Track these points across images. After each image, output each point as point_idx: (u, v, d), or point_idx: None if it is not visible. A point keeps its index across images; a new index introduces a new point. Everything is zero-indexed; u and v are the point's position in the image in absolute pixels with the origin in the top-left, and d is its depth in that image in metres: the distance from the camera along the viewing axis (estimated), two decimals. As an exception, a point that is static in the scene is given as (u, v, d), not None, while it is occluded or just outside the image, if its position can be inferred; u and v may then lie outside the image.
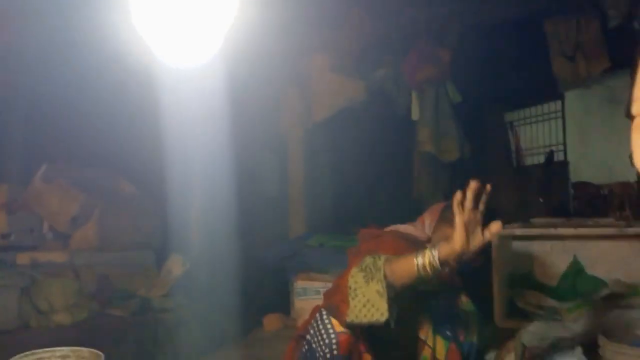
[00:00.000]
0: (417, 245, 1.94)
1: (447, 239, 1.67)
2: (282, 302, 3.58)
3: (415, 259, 1.60)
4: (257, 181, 4.48)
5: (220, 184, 3.67)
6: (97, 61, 3.45)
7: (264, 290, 3.63)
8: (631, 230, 2.78)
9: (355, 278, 1.70)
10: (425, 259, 1.59)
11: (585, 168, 6.92)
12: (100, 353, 1.92)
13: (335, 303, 1.86)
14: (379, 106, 4.14)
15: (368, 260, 1.70)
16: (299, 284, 3.47)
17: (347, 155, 4.24)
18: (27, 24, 3.52)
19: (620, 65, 3.83)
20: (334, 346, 1.80)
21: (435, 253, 1.59)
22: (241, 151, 4.02)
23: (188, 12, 2.26)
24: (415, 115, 3.93)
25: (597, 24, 3.68)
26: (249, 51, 3.27)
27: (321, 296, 3.17)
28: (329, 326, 1.84)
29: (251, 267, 3.79)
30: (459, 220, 1.56)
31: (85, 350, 1.98)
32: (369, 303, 1.67)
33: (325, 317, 1.87)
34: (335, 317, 1.84)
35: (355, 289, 1.69)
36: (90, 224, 3.67)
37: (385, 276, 1.64)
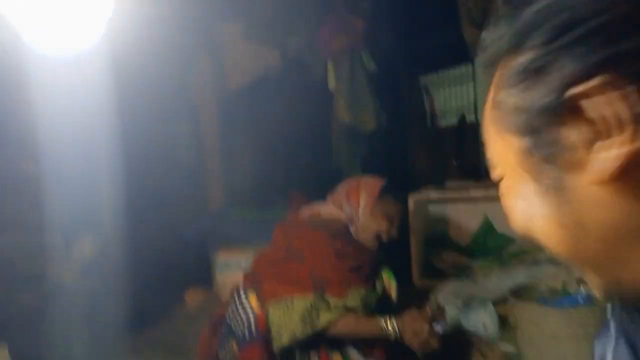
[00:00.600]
0: (340, 233, 1.93)
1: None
2: (204, 277, 3.51)
3: (379, 323, 1.84)
4: (171, 152, 4.31)
5: (131, 158, 3.49)
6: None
7: (184, 266, 3.53)
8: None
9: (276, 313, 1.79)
10: (389, 330, 1.83)
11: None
12: (3, 344, 1.80)
13: (258, 280, 1.85)
14: (297, 75, 4.08)
15: (304, 304, 1.78)
16: (221, 258, 3.41)
17: (265, 125, 4.16)
18: None
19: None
20: (253, 325, 1.79)
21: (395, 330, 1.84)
22: (150, 120, 3.83)
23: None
24: (331, 84, 3.91)
25: (504, -9, 3.78)
26: (154, 20, 3.08)
27: (244, 269, 3.15)
28: (246, 305, 1.82)
29: (170, 242, 3.68)
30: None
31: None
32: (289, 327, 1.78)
33: (243, 295, 1.85)
34: (258, 295, 1.82)
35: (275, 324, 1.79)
36: (-12, 205, 3.39)
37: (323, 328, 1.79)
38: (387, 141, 4.34)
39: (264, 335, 1.76)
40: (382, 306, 2.02)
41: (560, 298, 1.95)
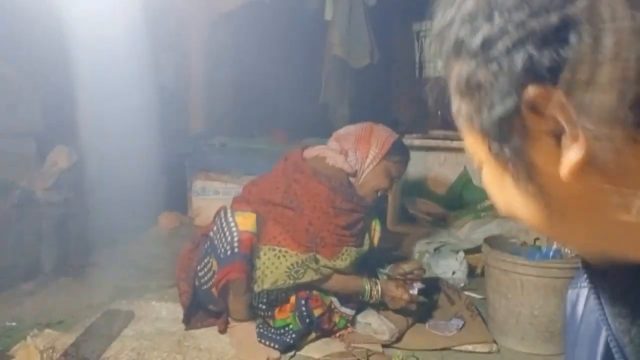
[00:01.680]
0: (342, 187, 1.91)
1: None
2: (179, 201, 3.49)
3: (364, 286, 1.92)
4: (155, 73, 4.18)
5: (114, 75, 3.37)
6: None
7: (160, 188, 3.50)
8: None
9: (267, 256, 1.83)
10: (372, 294, 1.93)
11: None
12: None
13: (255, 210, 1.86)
14: (290, 2, 3.92)
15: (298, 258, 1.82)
16: (198, 183, 3.38)
17: (253, 53, 4.03)
18: None
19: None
20: (235, 244, 1.80)
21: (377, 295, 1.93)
22: (139, 45, 3.69)
23: None
24: (328, 14, 3.74)
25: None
26: None
27: (220, 197, 3.14)
28: (232, 224, 1.83)
29: (148, 162, 3.62)
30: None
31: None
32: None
33: (229, 215, 1.86)
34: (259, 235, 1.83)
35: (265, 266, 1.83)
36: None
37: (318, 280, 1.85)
38: (376, 82, 4.29)
39: (245, 255, 1.78)
40: (365, 256, 2.05)
41: (531, 251, 2.01)
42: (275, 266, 1.80)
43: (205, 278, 1.88)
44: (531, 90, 0.37)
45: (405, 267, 2.05)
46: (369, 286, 1.92)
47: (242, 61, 4.20)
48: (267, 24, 4.05)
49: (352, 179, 1.98)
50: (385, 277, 2.08)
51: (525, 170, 0.40)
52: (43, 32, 3.23)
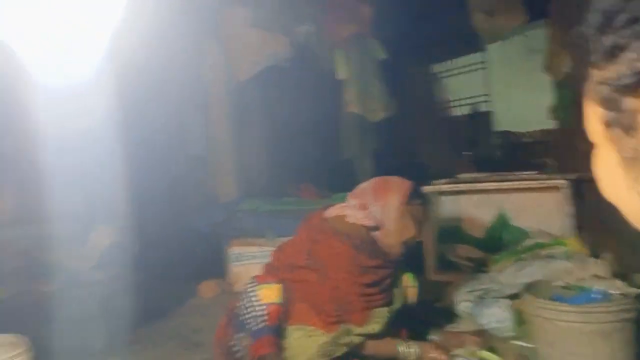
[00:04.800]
0: (365, 244, 1.90)
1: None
2: (217, 268, 3.53)
3: (398, 348, 1.90)
4: (183, 141, 4.31)
5: (144, 150, 3.51)
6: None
7: (197, 257, 3.56)
8: (551, 182, 2.92)
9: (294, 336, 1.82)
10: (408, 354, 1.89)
11: (508, 117, 7.21)
12: (24, 337, 1.82)
13: (282, 279, 1.86)
14: (306, 63, 4.04)
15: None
16: (234, 249, 3.42)
17: (274, 115, 4.14)
18: None
19: (538, 15, 3.94)
20: (263, 317, 1.79)
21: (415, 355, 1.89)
22: (161, 112, 3.84)
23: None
24: (340, 74, 3.86)
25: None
26: (162, 10, 3.07)
27: (257, 261, 3.16)
28: (254, 299, 1.83)
29: (184, 234, 3.70)
30: None
31: (8, 336, 1.87)
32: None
33: (250, 290, 1.86)
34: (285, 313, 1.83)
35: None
36: (6, 195, 3.43)
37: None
38: (398, 131, 4.33)
39: (273, 328, 1.77)
40: (401, 312, 2.02)
41: (575, 294, 1.94)
42: (305, 348, 1.79)
43: (240, 354, 1.88)
44: None
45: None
46: (403, 348, 1.88)
47: (267, 123, 4.31)
48: (287, 85, 4.17)
49: (375, 234, 1.96)
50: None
51: (636, 144, 0.44)
52: (80, 118, 3.38)
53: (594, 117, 0.49)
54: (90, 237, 3.48)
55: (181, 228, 3.65)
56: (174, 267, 3.40)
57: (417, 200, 2.01)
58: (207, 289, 3.40)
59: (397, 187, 1.99)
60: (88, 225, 3.49)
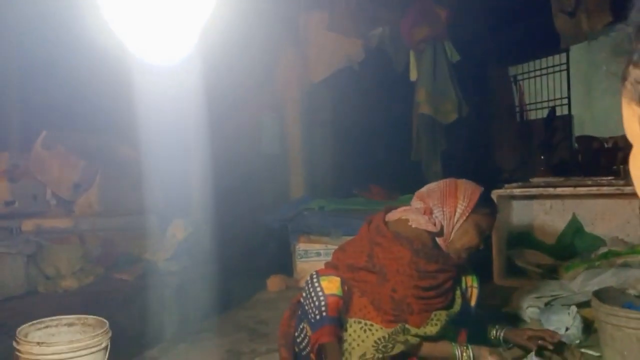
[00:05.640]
0: (425, 249, 1.89)
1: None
2: (285, 264, 3.64)
3: (454, 352, 1.90)
4: (258, 140, 4.47)
5: (219, 146, 3.67)
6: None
7: (267, 252, 3.68)
8: (629, 189, 2.78)
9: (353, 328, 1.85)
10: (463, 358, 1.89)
11: (590, 122, 6.86)
12: (105, 320, 1.97)
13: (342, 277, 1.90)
14: (378, 65, 4.08)
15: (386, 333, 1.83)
16: (300, 246, 3.51)
17: (347, 116, 4.21)
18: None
19: (625, 16, 3.74)
20: (323, 308, 1.84)
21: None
22: (239, 111, 4.00)
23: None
24: (413, 75, 3.87)
25: (599, -23, 3.58)
26: (242, 15, 3.21)
27: (321, 258, 3.23)
28: (318, 289, 1.87)
29: (254, 229, 3.83)
30: None
31: (90, 318, 2.03)
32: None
33: (315, 280, 1.91)
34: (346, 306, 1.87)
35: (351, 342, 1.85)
36: (92, 189, 3.70)
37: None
38: (470, 134, 4.26)
39: (333, 318, 1.82)
40: (460, 314, 2.01)
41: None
42: (362, 339, 1.82)
43: (303, 344, 1.93)
44: None
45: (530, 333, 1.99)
46: (458, 352, 1.88)
47: (337, 124, 4.38)
48: (359, 87, 4.23)
49: (438, 239, 1.94)
50: (504, 345, 2.02)
51: None
52: (159, 115, 3.59)
53: (632, 117, 0.49)
54: (167, 229, 3.68)
55: (253, 223, 3.78)
56: (245, 261, 3.54)
57: (485, 209, 1.94)
58: (275, 283, 3.51)
59: (465, 193, 1.93)
60: (166, 219, 3.70)
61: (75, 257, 3.14)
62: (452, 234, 1.91)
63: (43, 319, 1.97)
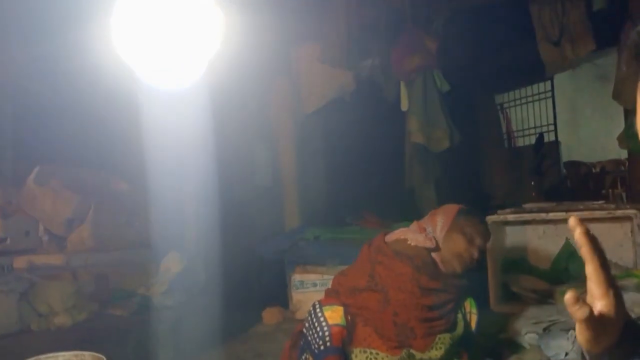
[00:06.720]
0: (426, 266, 1.93)
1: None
2: (281, 295, 3.61)
3: None
4: (251, 172, 4.49)
5: (213, 178, 3.68)
6: (83, 70, 3.47)
7: (262, 284, 3.66)
8: (620, 213, 2.82)
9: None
10: None
11: (576, 147, 6.99)
12: (102, 356, 1.94)
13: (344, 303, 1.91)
14: (369, 96, 4.14)
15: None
16: (296, 277, 3.50)
17: (339, 145, 4.25)
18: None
19: (607, 43, 3.84)
20: (327, 338, 1.84)
21: None
22: (232, 143, 4.02)
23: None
24: (404, 105, 3.93)
25: (582, 6, 3.69)
26: (236, 43, 3.26)
27: (318, 288, 3.22)
28: (322, 319, 1.88)
29: (249, 260, 3.81)
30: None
31: (87, 354, 2.00)
32: None
33: (318, 310, 1.91)
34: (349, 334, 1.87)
35: None
36: (85, 224, 3.68)
37: None
38: (462, 161, 4.32)
39: (337, 349, 1.81)
40: (462, 338, 2.01)
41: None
42: None
43: (304, 375, 1.92)
44: None
45: None
46: None
47: (329, 154, 4.42)
48: (349, 117, 4.28)
49: (434, 254, 1.98)
50: None
51: None
52: (154, 149, 3.60)
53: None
54: (162, 263, 3.65)
55: (248, 255, 3.76)
56: (240, 293, 3.51)
57: (468, 215, 2.04)
58: (271, 315, 3.48)
59: (446, 208, 2.07)
60: (160, 252, 3.67)
61: (67, 294, 3.10)
62: (442, 244, 1.98)
63: (39, 356, 1.94)
